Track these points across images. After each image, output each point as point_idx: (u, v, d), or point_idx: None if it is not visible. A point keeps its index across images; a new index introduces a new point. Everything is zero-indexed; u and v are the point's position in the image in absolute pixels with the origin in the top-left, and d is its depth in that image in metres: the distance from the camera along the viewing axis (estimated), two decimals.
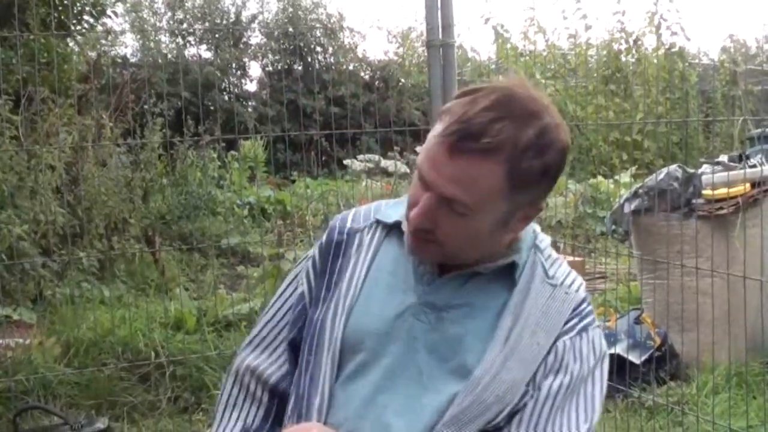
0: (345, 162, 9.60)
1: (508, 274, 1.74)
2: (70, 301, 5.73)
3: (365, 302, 1.77)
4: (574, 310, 1.73)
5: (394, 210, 1.85)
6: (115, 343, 5.04)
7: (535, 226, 1.82)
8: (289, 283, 1.95)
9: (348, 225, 1.88)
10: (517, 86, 1.63)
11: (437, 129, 1.61)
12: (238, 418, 1.87)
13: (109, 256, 6.66)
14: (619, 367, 4.53)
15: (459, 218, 1.62)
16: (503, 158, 1.56)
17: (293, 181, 9.70)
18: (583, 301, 1.76)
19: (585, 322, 1.74)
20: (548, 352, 1.69)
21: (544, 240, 1.83)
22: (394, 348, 1.72)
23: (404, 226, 1.77)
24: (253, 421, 1.87)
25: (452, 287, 1.74)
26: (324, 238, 1.89)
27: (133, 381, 4.89)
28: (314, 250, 1.90)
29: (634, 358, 4.89)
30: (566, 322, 1.72)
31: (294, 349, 1.87)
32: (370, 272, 1.80)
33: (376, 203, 1.92)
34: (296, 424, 1.71)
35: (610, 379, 4.55)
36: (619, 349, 4.90)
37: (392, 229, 1.83)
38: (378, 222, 1.86)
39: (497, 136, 1.54)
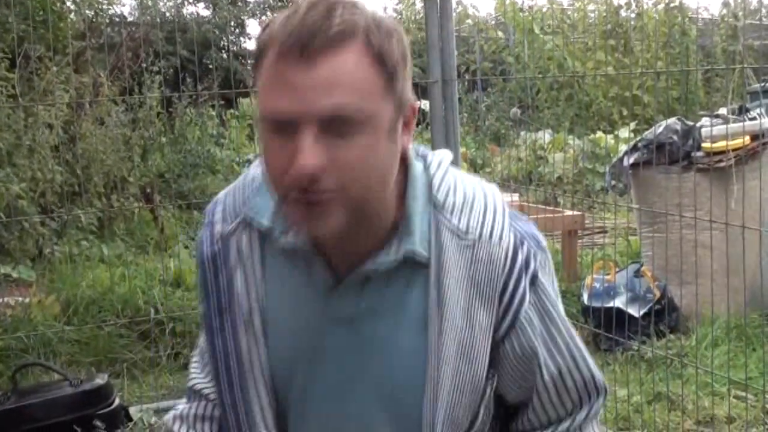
0: None
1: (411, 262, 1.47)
2: (70, 259, 5.73)
3: (276, 329, 1.55)
4: (510, 266, 1.48)
5: (263, 199, 1.52)
6: (115, 301, 5.05)
7: (427, 170, 1.51)
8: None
9: (218, 230, 1.57)
10: None
11: (269, 59, 1.32)
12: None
13: (108, 215, 6.66)
14: (618, 320, 4.53)
15: (351, 141, 1.31)
16: (361, 42, 1.31)
17: None
18: (515, 249, 1.49)
19: (530, 272, 1.50)
20: (511, 333, 1.51)
21: (440, 179, 1.51)
22: (323, 375, 1.54)
23: (278, 225, 1.50)
24: None
25: (356, 292, 1.49)
26: (198, 251, 1.60)
27: (132, 338, 4.90)
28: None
29: (634, 311, 4.89)
30: (506, 286, 1.48)
31: None
32: (268, 289, 1.54)
33: (242, 183, 1.60)
34: None
35: (609, 331, 4.55)
36: (619, 302, 4.91)
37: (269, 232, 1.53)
38: (248, 222, 1.55)
39: (342, 22, 1.29)
